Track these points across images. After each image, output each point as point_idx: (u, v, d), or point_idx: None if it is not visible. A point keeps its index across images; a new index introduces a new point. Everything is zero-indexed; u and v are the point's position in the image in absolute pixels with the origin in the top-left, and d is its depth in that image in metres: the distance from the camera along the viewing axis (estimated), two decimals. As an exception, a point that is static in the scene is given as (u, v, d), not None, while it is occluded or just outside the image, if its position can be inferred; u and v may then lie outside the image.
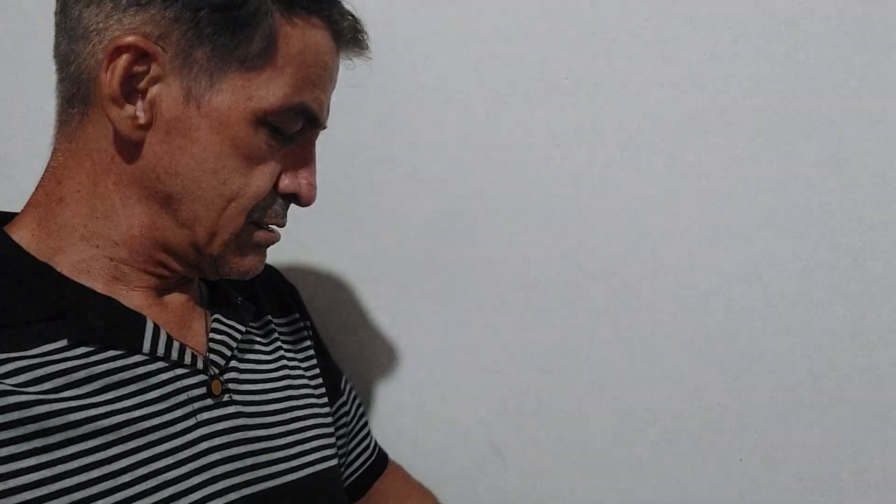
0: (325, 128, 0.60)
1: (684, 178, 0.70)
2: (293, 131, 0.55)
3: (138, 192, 0.53)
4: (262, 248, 0.59)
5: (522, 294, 0.75)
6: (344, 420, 0.72)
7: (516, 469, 0.76)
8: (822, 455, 0.67)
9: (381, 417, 0.81)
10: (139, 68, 0.51)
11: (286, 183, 0.57)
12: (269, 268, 0.74)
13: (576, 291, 0.74)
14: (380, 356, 0.81)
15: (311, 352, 0.70)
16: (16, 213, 0.56)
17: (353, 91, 0.80)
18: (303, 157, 0.58)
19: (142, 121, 0.51)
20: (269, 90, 0.53)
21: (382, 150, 0.81)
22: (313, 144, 0.59)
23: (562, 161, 0.74)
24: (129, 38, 0.50)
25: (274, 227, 0.59)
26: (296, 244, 0.84)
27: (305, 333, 0.71)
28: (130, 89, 0.51)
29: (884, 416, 0.65)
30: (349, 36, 0.57)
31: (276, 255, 0.85)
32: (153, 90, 0.51)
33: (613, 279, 0.72)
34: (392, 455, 0.78)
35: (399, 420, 0.80)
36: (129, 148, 0.52)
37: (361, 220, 0.82)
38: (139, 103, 0.51)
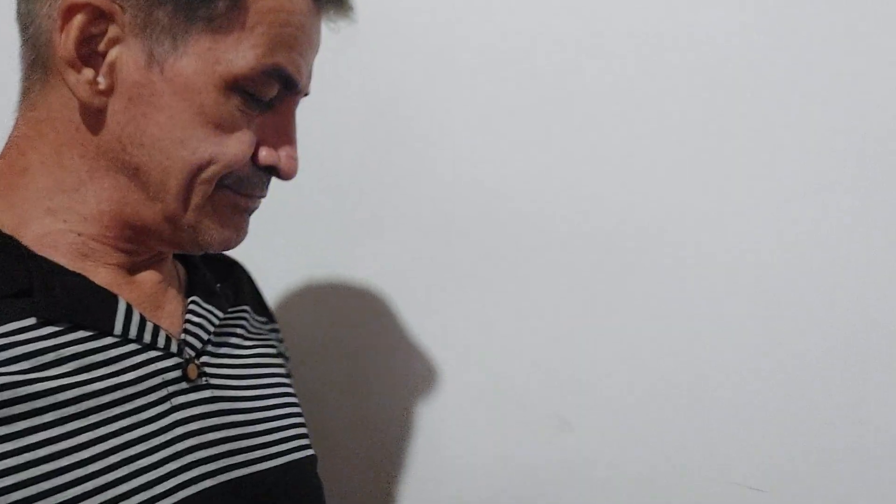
0: (306, 94, 0.56)
1: (714, 170, 0.69)
2: (269, 97, 0.52)
3: (105, 164, 0.50)
4: (242, 213, 0.55)
5: (584, 266, 0.74)
6: None
7: (584, 440, 0.74)
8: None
9: (447, 391, 0.80)
10: (96, 29, 0.47)
11: (264, 154, 0.53)
12: (249, 274, 0.72)
13: (636, 263, 0.72)
14: (442, 328, 0.80)
15: (281, 360, 0.67)
16: None
17: (364, 91, 0.81)
18: (282, 127, 0.54)
19: (102, 86, 0.48)
20: (239, 53, 0.49)
21: (400, 151, 0.81)
22: (293, 112, 0.55)
23: (589, 156, 0.73)
24: None
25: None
26: (338, 249, 0.85)
27: (278, 340, 0.69)
28: (90, 52, 0.48)
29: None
30: None
31: (313, 266, 0.87)
32: (113, 52, 0.48)
33: (671, 249, 0.71)
34: (458, 428, 0.78)
35: (465, 393, 0.79)
36: (92, 116, 0.49)
37: (402, 220, 0.81)
38: (98, 66, 0.48)
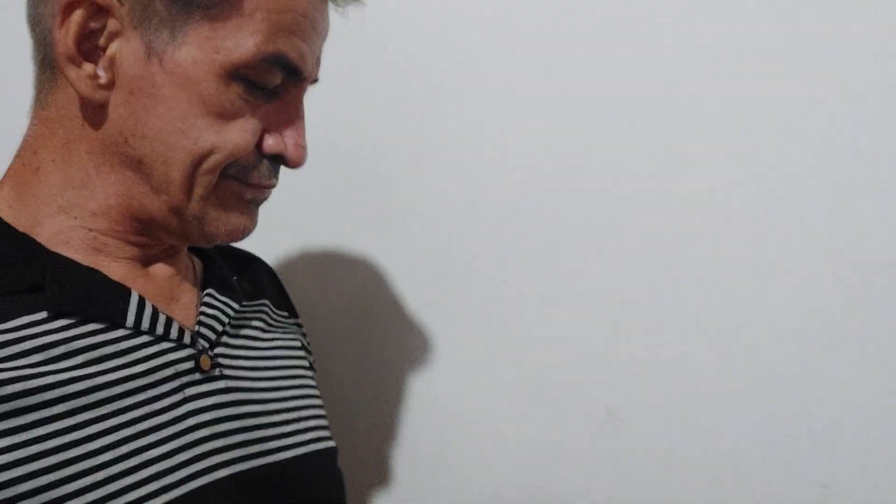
0: (314, 81, 0.56)
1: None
2: (273, 85, 0.51)
3: (110, 158, 0.50)
4: (248, 204, 0.54)
5: (635, 249, 0.71)
6: None
7: (634, 433, 0.72)
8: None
9: (487, 383, 0.78)
10: (95, 24, 0.48)
11: (270, 143, 0.52)
12: (271, 269, 0.72)
13: (691, 247, 0.68)
14: (482, 318, 0.78)
15: (303, 353, 0.67)
16: None
17: (388, 89, 0.81)
18: (288, 114, 0.53)
19: (102, 80, 0.48)
20: (238, 40, 0.48)
21: (416, 149, 0.80)
22: (300, 100, 0.55)
23: (626, 132, 0.71)
24: None
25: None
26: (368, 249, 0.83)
27: (301, 334, 0.69)
28: (91, 47, 0.48)
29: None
30: None
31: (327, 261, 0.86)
32: (113, 47, 0.48)
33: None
34: (506, 422, 0.76)
35: (514, 388, 0.77)
36: (95, 111, 0.49)
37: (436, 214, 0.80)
38: (98, 61, 0.48)
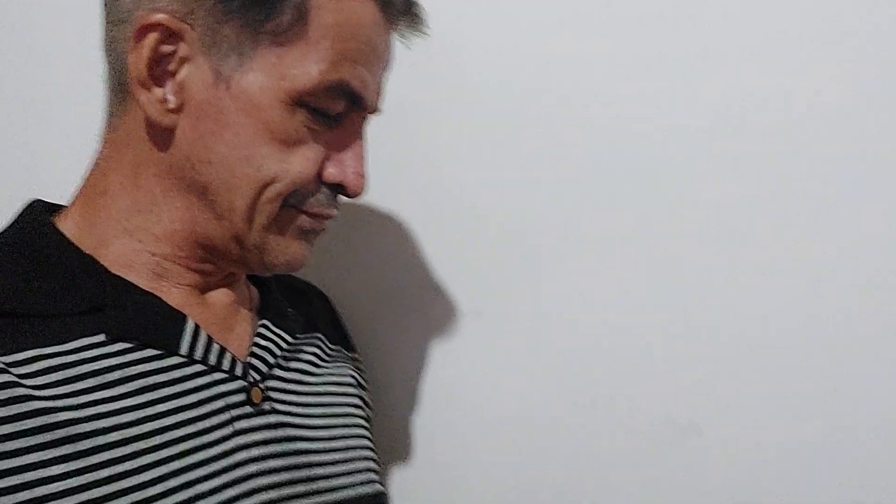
0: (376, 111, 0.55)
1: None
2: (335, 112, 0.51)
3: (177, 183, 0.50)
4: (307, 234, 0.54)
5: (696, 254, 0.68)
6: None
7: (715, 445, 0.68)
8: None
9: (571, 401, 0.73)
10: (167, 48, 0.48)
11: (331, 171, 0.52)
12: (329, 301, 0.71)
13: (761, 250, 0.66)
14: (535, 329, 0.74)
15: (356, 390, 0.65)
16: (64, 206, 0.54)
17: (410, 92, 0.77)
18: (349, 143, 0.53)
19: (171, 105, 0.48)
20: (304, 67, 0.48)
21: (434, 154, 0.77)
22: (361, 129, 0.54)
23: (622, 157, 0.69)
24: (155, 17, 0.47)
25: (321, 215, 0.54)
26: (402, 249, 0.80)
27: (355, 368, 0.67)
28: (161, 72, 0.48)
29: None
30: (400, 8, 0.52)
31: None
32: (182, 71, 0.48)
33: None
34: (588, 431, 0.72)
35: (565, 398, 0.73)
36: (163, 136, 0.50)
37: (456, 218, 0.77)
38: (168, 85, 0.48)
